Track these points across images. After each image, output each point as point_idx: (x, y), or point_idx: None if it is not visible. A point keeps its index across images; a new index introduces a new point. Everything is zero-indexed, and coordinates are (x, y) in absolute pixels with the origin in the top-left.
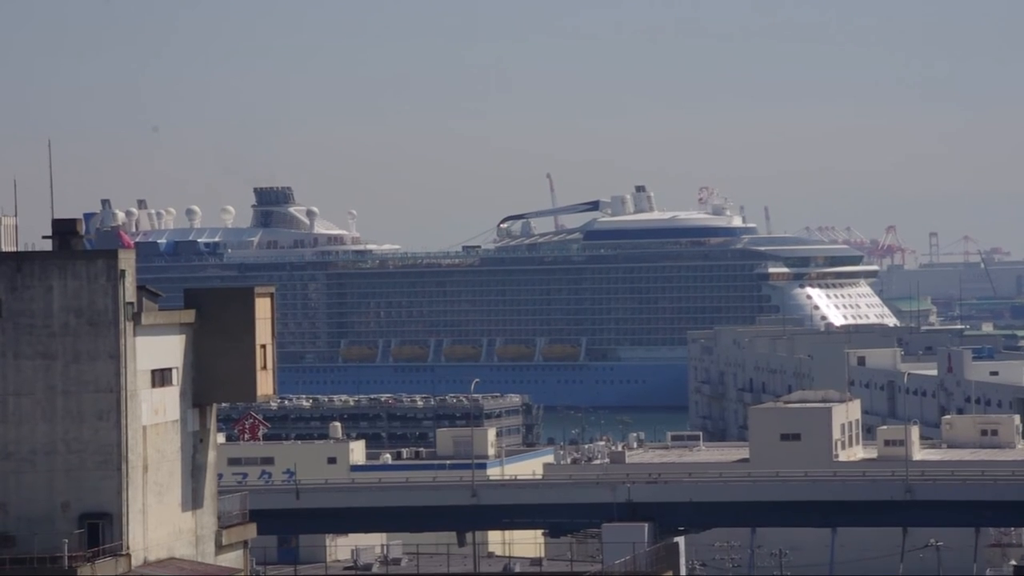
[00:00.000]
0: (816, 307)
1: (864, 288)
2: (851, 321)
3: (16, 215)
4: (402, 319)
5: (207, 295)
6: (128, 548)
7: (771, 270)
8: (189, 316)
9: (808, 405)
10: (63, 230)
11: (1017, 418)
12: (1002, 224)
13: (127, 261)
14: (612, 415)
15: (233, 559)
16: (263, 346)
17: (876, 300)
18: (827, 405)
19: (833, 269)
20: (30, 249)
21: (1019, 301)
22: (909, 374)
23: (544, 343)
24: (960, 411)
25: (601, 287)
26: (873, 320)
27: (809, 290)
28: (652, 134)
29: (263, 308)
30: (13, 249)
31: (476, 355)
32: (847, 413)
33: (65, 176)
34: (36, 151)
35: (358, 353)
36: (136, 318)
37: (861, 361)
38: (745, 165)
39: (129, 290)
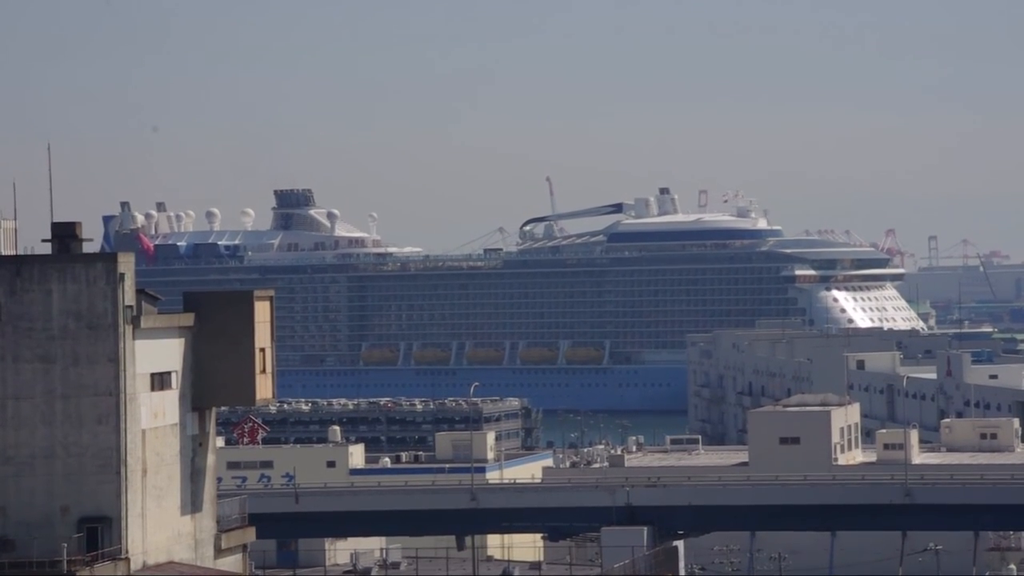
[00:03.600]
0: (843, 310)
1: (890, 291)
2: (878, 324)
3: (15, 218)
4: (424, 322)
5: (206, 298)
6: (127, 552)
7: (797, 272)
8: (188, 320)
9: (807, 409)
10: (62, 233)
11: (1016, 421)
12: (1001, 227)
13: (126, 264)
14: (634, 418)
15: (232, 563)
16: (262, 350)
17: (902, 303)
18: (826, 409)
19: (860, 272)
20: (29, 253)
21: (1018, 304)
22: (908, 378)
23: (567, 346)
24: (959, 415)
25: (625, 289)
26: (900, 323)
27: (835, 292)
28: (651, 137)
29: (262, 312)
30: (12, 253)
31: (499, 358)
32: (846, 417)
33: (80, 179)
34: (36, 154)
35: (379, 356)
36: (135, 321)
37: (860, 365)
38: (743, 168)
39: (128, 293)
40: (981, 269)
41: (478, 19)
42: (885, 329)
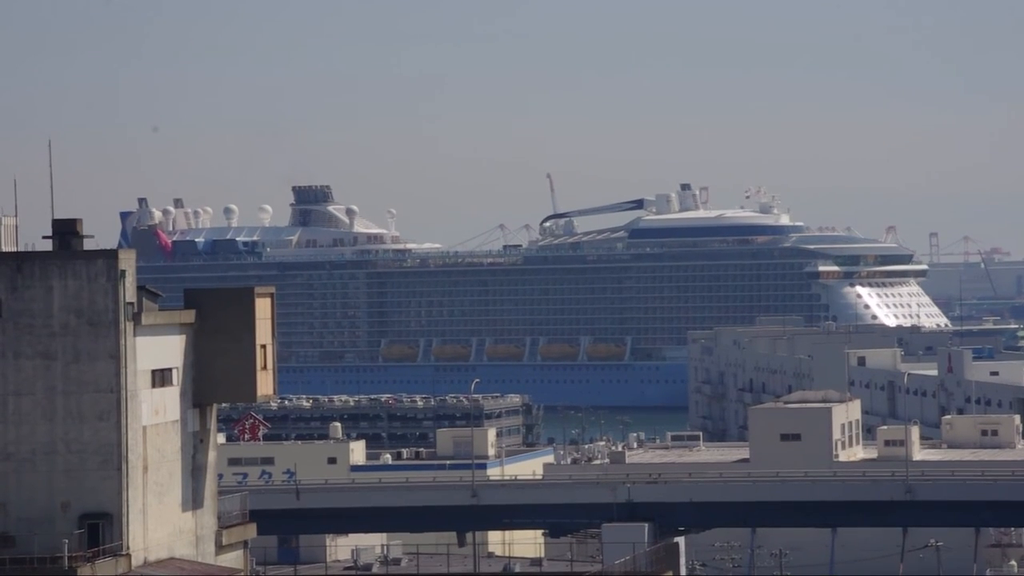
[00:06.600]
0: (866, 306)
1: (914, 287)
2: (902, 321)
3: (16, 215)
4: (443, 318)
5: (207, 295)
6: (128, 548)
7: (821, 268)
8: (189, 316)
9: (808, 405)
10: (63, 230)
11: (1017, 418)
12: (1002, 224)
13: (127, 261)
14: (661, 415)
15: (233, 559)
16: (263, 346)
17: (926, 299)
18: (827, 405)
19: (883, 268)
20: (30, 249)
21: (1019, 301)
22: (909, 374)
23: (588, 342)
24: (960, 411)
25: (646, 286)
26: (924, 320)
27: (859, 289)
28: (645, 135)
29: (263, 308)
30: (13, 249)
31: (519, 354)
32: (847, 413)
33: (95, 176)
34: (49, 151)
35: (399, 352)
36: (136, 318)
37: (861, 361)
38: (742, 165)
39: (129, 290)
40: (982, 266)
41: (485, 18)
42: (908, 326)
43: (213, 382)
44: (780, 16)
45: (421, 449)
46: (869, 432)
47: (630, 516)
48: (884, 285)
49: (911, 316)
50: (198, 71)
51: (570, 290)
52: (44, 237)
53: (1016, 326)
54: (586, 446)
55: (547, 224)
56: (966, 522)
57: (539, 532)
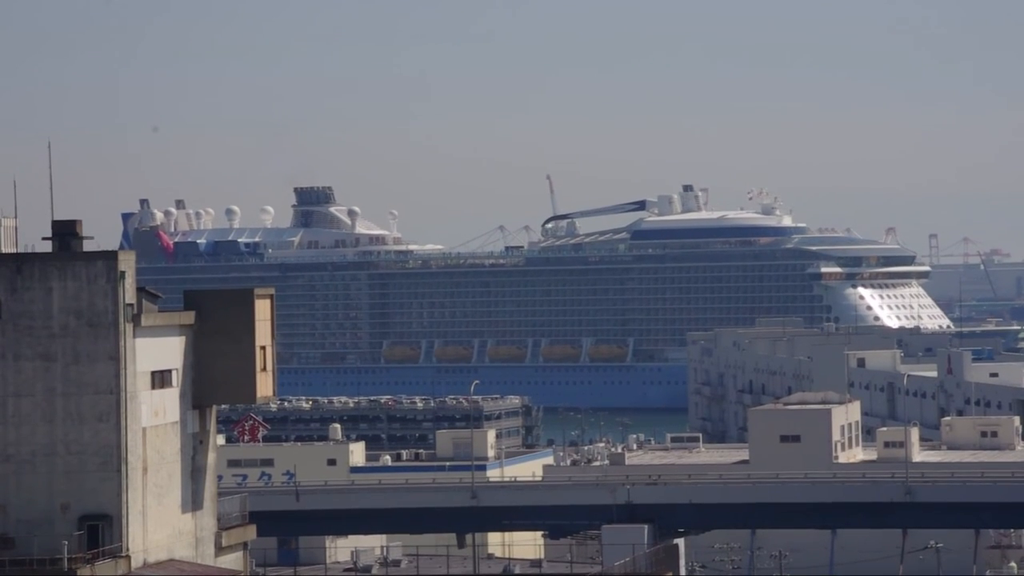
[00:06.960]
0: (869, 308)
1: (916, 288)
2: (904, 323)
3: (16, 216)
4: (445, 320)
5: (206, 296)
6: (128, 550)
7: (823, 270)
8: (189, 318)
9: (808, 407)
10: (63, 231)
11: (1017, 420)
12: (1002, 226)
13: (127, 262)
14: (661, 416)
15: (233, 561)
16: (263, 348)
17: (928, 301)
18: (827, 407)
19: (886, 269)
20: (30, 251)
21: (1019, 303)
22: (909, 376)
23: (591, 344)
24: (960, 413)
25: (648, 287)
26: (926, 321)
27: (861, 290)
28: (646, 136)
29: (263, 310)
30: (13, 250)
31: (521, 356)
32: (847, 415)
33: (98, 176)
34: (55, 152)
35: (401, 354)
36: (136, 320)
37: (861, 363)
38: (743, 166)
39: (129, 291)
40: (982, 267)
41: (485, 18)
42: (910, 327)
43: (213, 383)
44: (780, 16)
45: (421, 451)
46: (869, 433)
47: (630, 518)
48: (886, 287)
49: (913, 318)
50: (198, 71)
51: (572, 291)
52: (44, 238)
53: (1019, 328)
54: (586, 448)
55: (549, 225)
56: (966, 524)
57: (539, 534)
